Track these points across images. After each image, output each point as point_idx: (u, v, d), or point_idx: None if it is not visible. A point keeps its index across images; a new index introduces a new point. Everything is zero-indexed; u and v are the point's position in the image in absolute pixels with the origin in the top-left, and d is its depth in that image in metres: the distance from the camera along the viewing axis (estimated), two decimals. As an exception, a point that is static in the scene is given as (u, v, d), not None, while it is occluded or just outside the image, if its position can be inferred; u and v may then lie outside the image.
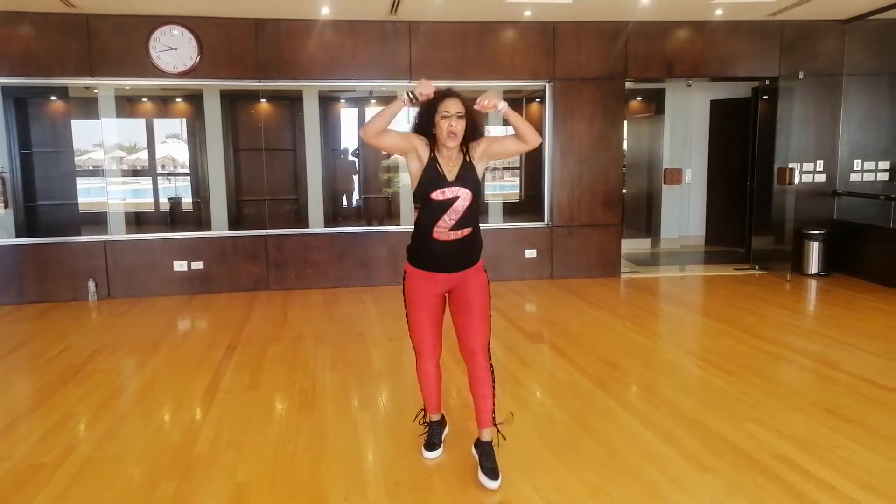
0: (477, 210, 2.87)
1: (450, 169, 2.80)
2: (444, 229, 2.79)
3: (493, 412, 2.93)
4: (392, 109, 2.77)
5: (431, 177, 2.79)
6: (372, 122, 2.74)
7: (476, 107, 2.79)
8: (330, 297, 6.67)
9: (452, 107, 2.74)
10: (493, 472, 2.83)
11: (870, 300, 6.19)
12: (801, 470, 2.94)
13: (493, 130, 6.90)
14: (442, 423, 3.25)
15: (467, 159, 2.85)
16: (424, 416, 3.22)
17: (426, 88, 2.75)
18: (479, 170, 2.87)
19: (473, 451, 3.00)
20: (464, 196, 2.79)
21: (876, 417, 3.52)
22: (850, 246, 7.23)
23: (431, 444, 3.13)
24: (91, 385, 4.20)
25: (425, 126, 2.82)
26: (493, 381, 2.91)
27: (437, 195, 2.77)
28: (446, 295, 2.98)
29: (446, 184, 2.78)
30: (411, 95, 2.78)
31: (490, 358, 2.92)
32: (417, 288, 2.93)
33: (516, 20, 6.94)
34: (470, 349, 2.88)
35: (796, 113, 7.25)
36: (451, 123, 2.72)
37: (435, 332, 2.99)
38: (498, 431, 2.97)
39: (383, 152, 8.70)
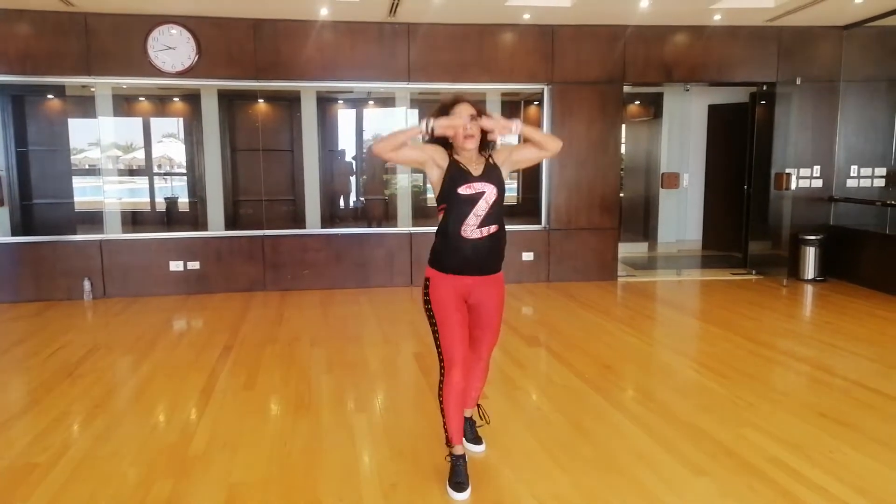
0: (502, 208, 2.84)
1: (473, 167, 2.79)
2: (472, 226, 2.75)
3: (479, 398, 3.24)
4: (408, 132, 2.77)
5: (457, 174, 2.76)
6: (387, 140, 2.73)
7: (487, 126, 2.76)
8: (326, 299, 6.67)
9: (465, 110, 2.75)
10: (477, 440, 3.22)
11: (865, 305, 6.21)
12: (794, 473, 2.95)
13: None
14: (465, 455, 2.89)
15: (490, 161, 2.85)
16: (449, 449, 2.87)
17: (445, 129, 2.72)
18: (504, 172, 2.87)
19: (465, 445, 3.10)
20: (490, 191, 2.76)
21: (870, 422, 3.53)
22: (846, 251, 7.26)
23: (459, 484, 2.79)
24: (86, 384, 4.19)
25: (440, 136, 2.79)
26: (486, 378, 3.19)
27: (465, 189, 2.74)
28: (466, 301, 2.88)
29: (473, 178, 2.75)
30: (430, 126, 2.73)
31: (489, 360, 3.13)
32: (445, 292, 2.80)
33: (515, 23, 6.95)
34: (479, 355, 3.02)
35: (793, 118, 7.27)
36: (465, 127, 2.74)
37: (467, 337, 2.85)
38: (481, 414, 3.27)
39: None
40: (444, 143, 2.83)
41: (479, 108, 2.81)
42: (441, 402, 2.83)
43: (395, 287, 7.14)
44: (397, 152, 2.75)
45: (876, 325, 5.55)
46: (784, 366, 4.54)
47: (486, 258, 2.82)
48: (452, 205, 2.76)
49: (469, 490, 2.78)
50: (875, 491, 2.79)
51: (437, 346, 2.85)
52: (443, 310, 2.79)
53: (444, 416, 2.84)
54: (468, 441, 3.19)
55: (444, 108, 2.83)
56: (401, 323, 5.75)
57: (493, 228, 2.78)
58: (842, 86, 7.36)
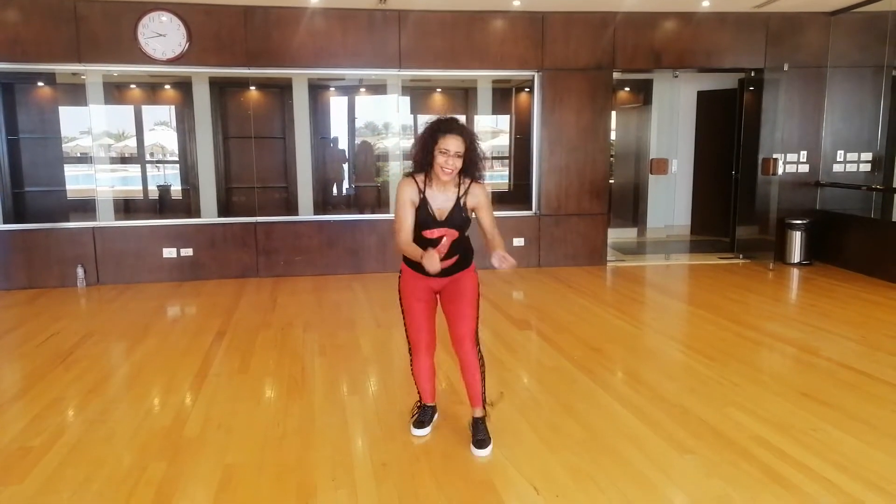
0: (464, 239, 3.04)
1: (439, 208, 2.93)
2: None
3: (484, 393, 3.15)
4: (415, 254, 2.87)
5: (423, 218, 2.92)
6: (405, 250, 2.93)
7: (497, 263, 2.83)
8: (319, 285, 6.71)
9: (452, 145, 2.81)
10: (481, 443, 3.08)
11: (850, 288, 6.31)
12: (777, 451, 3.03)
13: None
14: (434, 409, 3.36)
15: (461, 202, 2.95)
16: (419, 402, 3.35)
17: (432, 266, 2.74)
18: (469, 210, 2.98)
19: (468, 426, 3.20)
20: (450, 234, 2.96)
21: (852, 401, 3.61)
22: (832, 235, 7.35)
23: (420, 423, 3.25)
24: (80, 370, 4.23)
25: (424, 156, 2.89)
26: (483, 367, 3.13)
27: (428, 234, 2.94)
28: (438, 295, 3.13)
29: (436, 224, 2.93)
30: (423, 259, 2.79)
31: (479, 345, 3.10)
32: (413, 284, 3.06)
33: (505, 9, 6.96)
34: (459, 335, 3.06)
35: (781, 104, 7.33)
36: (447, 161, 2.82)
37: (430, 325, 3.12)
38: (485, 410, 3.19)
39: (376, 144, 8.77)
40: (424, 164, 2.91)
41: (471, 143, 2.87)
42: (413, 376, 3.26)
43: (387, 273, 7.18)
44: (410, 240, 2.92)
45: (860, 307, 5.64)
46: (769, 348, 4.63)
47: (449, 272, 3.02)
48: (417, 237, 2.94)
49: (429, 429, 3.25)
50: (855, 468, 2.87)
51: (406, 332, 3.15)
52: (409, 300, 3.08)
53: (416, 384, 3.29)
54: (474, 445, 3.06)
55: (434, 130, 2.86)
56: (393, 308, 5.73)
57: (454, 258, 3.01)
58: (828, 72, 7.42)
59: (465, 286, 3.07)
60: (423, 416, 3.29)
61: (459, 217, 2.96)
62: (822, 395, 3.69)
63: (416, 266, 2.96)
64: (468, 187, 2.96)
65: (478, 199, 2.99)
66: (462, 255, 3.05)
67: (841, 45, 7.36)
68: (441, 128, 2.84)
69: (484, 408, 3.17)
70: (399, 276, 3.13)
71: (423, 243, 2.92)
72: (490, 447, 3.06)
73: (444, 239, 2.95)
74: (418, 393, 3.32)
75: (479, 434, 3.10)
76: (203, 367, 4.26)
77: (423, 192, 2.92)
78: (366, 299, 6.10)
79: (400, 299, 3.13)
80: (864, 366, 4.17)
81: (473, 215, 3.02)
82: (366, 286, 6.62)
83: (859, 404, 3.58)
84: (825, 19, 7.31)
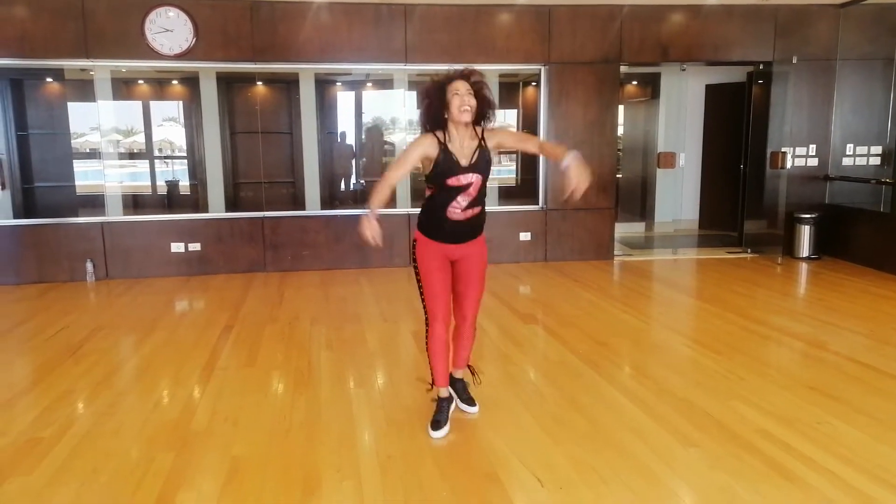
0: (485, 189, 3.06)
1: (464, 154, 2.94)
2: (457, 210, 2.98)
3: (468, 360, 3.41)
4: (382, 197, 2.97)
5: (447, 166, 2.92)
6: (377, 194, 2.97)
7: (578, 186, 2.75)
8: (326, 279, 6.74)
9: (462, 86, 2.87)
10: (470, 401, 3.39)
11: (859, 283, 6.27)
12: (782, 444, 3.02)
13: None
14: (450, 399, 3.32)
15: (482, 143, 2.98)
16: (431, 388, 3.34)
17: (363, 232, 2.89)
18: (492, 154, 3.02)
19: (450, 390, 3.32)
20: (476, 181, 2.97)
21: (858, 395, 3.60)
22: (841, 229, 7.30)
23: (437, 423, 3.16)
24: (89, 363, 4.27)
25: (437, 110, 2.91)
26: (474, 339, 3.36)
27: (453, 181, 2.93)
28: (452, 265, 3.16)
29: (461, 170, 2.93)
30: (367, 217, 2.91)
31: (475, 321, 3.30)
32: (430, 252, 3.07)
33: (511, 3, 6.95)
34: (463, 314, 3.22)
35: (790, 97, 7.29)
36: (462, 100, 2.85)
37: (448, 294, 3.13)
38: (473, 374, 3.50)
39: (386, 139, 8.78)
40: (438, 119, 2.92)
41: (480, 81, 2.92)
42: (428, 351, 3.21)
43: (393, 268, 7.20)
44: (391, 187, 2.97)
45: (869, 301, 5.61)
46: (776, 342, 4.61)
47: (467, 233, 3.09)
48: (440, 190, 2.96)
49: (446, 429, 3.15)
50: (860, 461, 2.87)
51: (423, 301, 3.14)
52: (427, 268, 3.08)
53: (430, 363, 3.23)
54: (462, 402, 3.40)
55: (439, 86, 2.91)
56: (399, 302, 5.82)
57: (476, 210, 3.03)
58: (838, 64, 7.36)
59: (477, 266, 3.14)
60: (440, 414, 3.20)
61: (483, 160, 2.97)
62: (828, 389, 3.68)
63: (433, 232, 3.03)
64: (483, 131, 3.01)
65: (498, 134, 3.04)
66: (482, 208, 3.07)
67: (850, 38, 7.30)
68: (444, 79, 2.91)
69: (469, 368, 3.45)
70: (413, 246, 3.13)
71: (449, 192, 2.93)
72: (477, 406, 3.39)
73: (472, 185, 2.95)
74: (431, 376, 3.27)
75: (465, 394, 3.41)
76: (210, 361, 4.29)
77: (444, 144, 2.93)
78: (372, 294, 6.12)
79: (416, 268, 3.12)
80: (872, 360, 4.15)
81: (498, 158, 3.09)
82: (372, 281, 6.64)
83: (866, 398, 3.56)
84: (834, 11, 7.26)
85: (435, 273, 3.06)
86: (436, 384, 3.25)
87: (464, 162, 2.93)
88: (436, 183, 2.96)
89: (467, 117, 2.88)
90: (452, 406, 3.35)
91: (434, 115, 2.93)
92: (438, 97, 2.90)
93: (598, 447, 3.03)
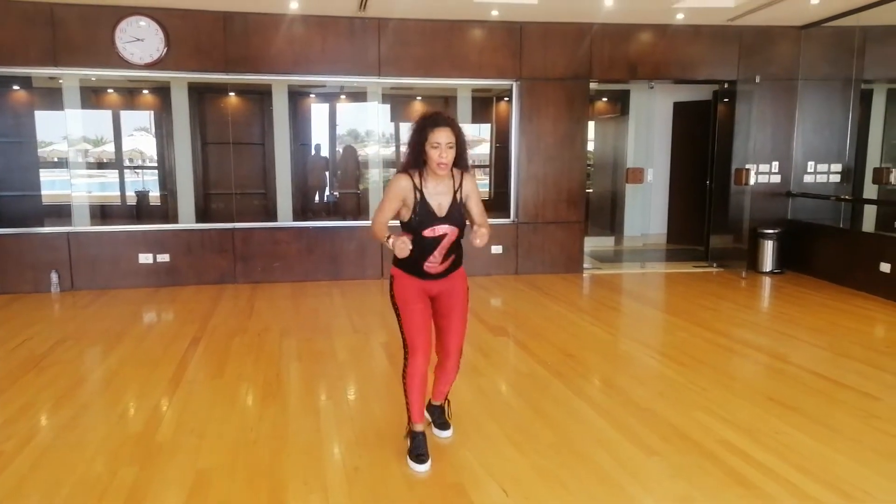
0: (461, 238, 3.04)
1: (439, 203, 2.94)
2: (434, 263, 2.98)
3: (447, 394, 3.34)
4: (378, 236, 2.99)
5: (424, 217, 2.92)
6: (374, 232, 3.02)
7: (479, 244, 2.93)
8: (297, 291, 6.71)
9: (443, 137, 2.83)
10: (444, 425, 3.33)
11: (819, 297, 6.43)
12: (742, 454, 3.10)
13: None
14: (423, 434, 3.10)
15: (457, 197, 2.99)
16: (409, 428, 3.09)
17: (402, 252, 2.83)
18: (464, 203, 3.04)
19: (426, 413, 3.27)
20: (452, 233, 2.97)
21: (816, 406, 3.70)
22: (802, 245, 7.49)
23: (419, 457, 2.99)
24: (52, 375, 4.20)
25: (416, 155, 2.90)
26: (456, 375, 3.23)
27: (429, 233, 2.93)
28: (432, 301, 3.10)
29: (437, 221, 2.93)
30: (390, 245, 2.84)
31: (459, 357, 3.16)
32: (409, 287, 3.02)
33: (484, 19, 7.04)
34: (447, 350, 3.13)
35: (754, 116, 7.48)
36: (440, 154, 2.84)
37: (428, 325, 3.06)
38: (447, 405, 3.40)
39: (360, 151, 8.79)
40: (418, 161, 2.92)
41: (459, 133, 2.90)
42: (405, 386, 3.04)
43: (366, 280, 7.20)
44: (383, 224, 2.98)
45: (828, 315, 5.76)
46: (739, 354, 4.72)
47: (443, 274, 3.05)
48: (416, 241, 2.91)
49: (429, 462, 2.98)
50: (817, 471, 2.94)
51: (402, 334, 3.04)
52: (405, 302, 3.02)
53: (406, 398, 3.06)
54: (436, 427, 3.33)
55: (422, 127, 2.89)
56: (370, 314, 5.82)
57: (451, 258, 3.03)
58: (800, 84, 7.58)
59: (458, 300, 3.09)
60: (419, 447, 3.01)
61: (458, 211, 2.98)
62: (787, 400, 3.77)
63: (410, 269, 2.98)
64: (461, 179, 3.01)
65: (469, 188, 3.04)
66: (457, 253, 3.07)
67: (811, 59, 7.52)
68: (428, 123, 2.87)
69: (447, 401, 3.37)
70: (391, 282, 3.06)
71: (424, 246, 2.93)
72: (450, 430, 3.33)
73: (446, 238, 2.95)
74: (408, 413, 3.06)
75: (441, 419, 3.34)
76: (177, 373, 4.25)
77: (420, 189, 2.92)
78: (343, 305, 6.12)
79: (395, 304, 3.04)
80: (830, 371, 4.27)
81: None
82: (344, 292, 6.63)
83: (823, 409, 3.66)
84: (796, 33, 7.48)
85: (413, 305, 3.00)
86: (413, 421, 3.05)
87: (439, 213, 2.93)
88: (412, 232, 2.93)
89: (443, 171, 2.87)
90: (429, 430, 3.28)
91: (414, 160, 2.93)
92: (420, 143, 2.87)
93: (563, 457, 3.07)
